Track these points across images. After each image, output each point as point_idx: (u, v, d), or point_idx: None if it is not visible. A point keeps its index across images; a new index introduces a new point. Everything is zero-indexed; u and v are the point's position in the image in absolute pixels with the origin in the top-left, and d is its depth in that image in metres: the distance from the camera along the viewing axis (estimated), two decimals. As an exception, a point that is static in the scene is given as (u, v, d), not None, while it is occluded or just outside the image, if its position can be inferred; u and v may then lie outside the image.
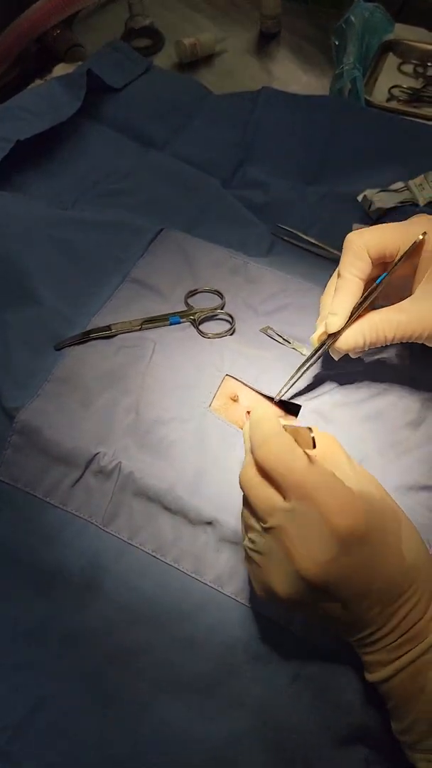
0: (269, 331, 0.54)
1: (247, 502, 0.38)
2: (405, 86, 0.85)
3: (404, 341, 0.45)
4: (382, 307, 0.46)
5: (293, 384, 0.49)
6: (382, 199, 0.68)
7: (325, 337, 0.47)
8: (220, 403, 0.51)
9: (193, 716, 0.42)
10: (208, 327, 0.55)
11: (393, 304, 0.46)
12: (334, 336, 0.46)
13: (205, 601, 0.44)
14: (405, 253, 0.44)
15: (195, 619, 0.44)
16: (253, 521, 0.37)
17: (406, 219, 0.66)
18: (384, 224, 0.46)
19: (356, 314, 0.45)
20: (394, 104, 0.83)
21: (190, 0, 1.01)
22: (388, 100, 0.84)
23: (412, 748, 0.37)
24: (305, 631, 0.42)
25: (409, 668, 0.35)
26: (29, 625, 0.45)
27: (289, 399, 0.51)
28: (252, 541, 0.37)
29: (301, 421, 0.49)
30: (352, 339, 0.45)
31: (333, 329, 0.45)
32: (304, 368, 0.49)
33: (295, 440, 0.36)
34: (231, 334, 0.55)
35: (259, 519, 0.36)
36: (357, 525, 0.33)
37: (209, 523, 0.45)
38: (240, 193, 0.71)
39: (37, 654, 0.45)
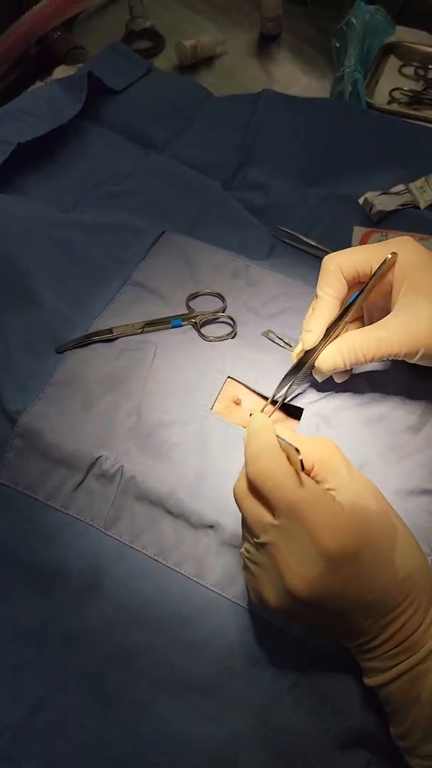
0: (270, 335, 0.54)
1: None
2: (406, 89, 0.85)
3: (384, 359, 0.45)
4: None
5: (281, 399, 0.49)
6: (383, 202, 0.68)
7: (302, 353, 0.48)
8: (223, 405, 0.51)
9: (193, 717, 0.42)
10: (210, 330, 0.55)
11: None
12: (311, 353, 0.47)
13: (206, 604, 0.44)
14: (375, 272, 0.45)
15: (196, 623, 0.44)
16: (247, 534, 0.38)
17: (407, 222, 0.68)
18: (359, 246, 0.48)
19: (333, 333, 0.46)
20: (395, 107, 0.83)
21: (190, 2, 1.01)
22: (389, 102, 0.84)
23: (409, 753, 0.37)
24: (306, 635, 0.42)
25: (405, 676, 0.35)
26: (29, 626, 0.45)
27: (290, 401, 0.51)
28: (248, 551, 0.38)
29: (302, 424, 0.49)
30: (330, 358, 0.46)
31: (308, 346, 0.47)
32: (287, 385, 0.49)
33: (288, 456, 0.36)
34: (232, 338, 0.55)
35: (251, 534, 0.37)
36: (346, 544, 0.33)
37: (211, 527, 0.45)
38: (241, 195, 0.71)
39: (37, 654, 0.45)
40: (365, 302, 0.47)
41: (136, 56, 0.84)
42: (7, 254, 0.57)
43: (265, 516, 0.36)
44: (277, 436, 0.37)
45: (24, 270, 0.56)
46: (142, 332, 0.54)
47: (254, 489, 0.36)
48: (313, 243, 0.66)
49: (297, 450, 0.34)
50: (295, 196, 0.71)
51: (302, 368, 0.48)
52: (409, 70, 0.88)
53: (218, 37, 0.92)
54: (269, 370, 0.52)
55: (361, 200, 0.69)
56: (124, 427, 0.49)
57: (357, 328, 0.47)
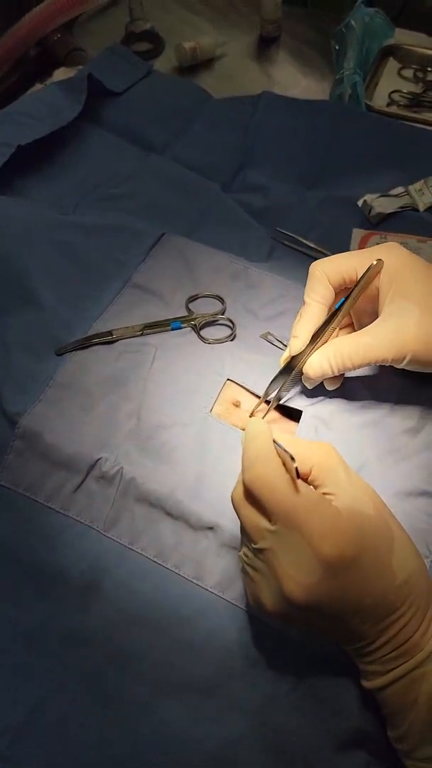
0: (269, 337, 0.55)
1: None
2: (405, 91, 0.85)
3: (372, 364, 0.45)
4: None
5: (275, 400, 0.49)
6: (381, 204, 0.68)
7: (289, 358, 0.48)
8: (222, 408, 0.51)
9: (193, 717, 0.42)
10: (209, 332, 0.56)
11: None
12: (297, 358, 0.47)
13: (205, 606, 0.44)
14: (361, 278, 0.45)
15: (195, 624, 0.44)
16: (245, 539, 0.38)
17: (406, 224, 0.68)
18: (346, 253, 0.48)
19: (320, 339, 0.46)
20: (394, 109, 0.83)
21: (190, 4, 1.01)
22: (388, 104, 0.84)
23: (406, 756, 0.37)
24: (304, 638, 0.43)
25: (403, 680, 0.35)
26: (29, 626, 0.46)
27: (287, 402, 0.51)
28: (246, 555, 0.38)
29: (301, 427, 0.49)
30: (318, 364, 0.46)
31: (294, 351, 0.47)
32: (276, 389, 0.49)
33: (284, 463, 0.36)
34: (231, 340, 0.55)
35: (249, 540, 0.37)
36: (344, 550, 0.34)
37: (210, 529, 0.45)
38: (240, 198, 0.71)
39: (37, 655, 0.45)
40: (354, 308, 0.48)
41: (136, 58, 0.84)
42: (8, 256, 0.57)
43: (262, 522, 0.36)
44: (274, 442, 0.37)
45: (24, 272, 0.56)
46: (141, 334, 0.54)
47: (251, 495, 0.36)
48: (313, 245, 0.66)
49: (292, 458, 0.34)
50: (294, 198, 0.71)
51: (290, 372, 0.48)
52: (408, 73, 0.88)
53: (218, 39, 0.92)
54: (268, 372, 0.52)
55: (360, 202, 0.69)
56: (123, 429, 0.49)
57: (347, 334, 0.47)
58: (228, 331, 0.55)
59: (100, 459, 0.47)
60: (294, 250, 0.66)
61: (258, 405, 0.50)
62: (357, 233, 0.68)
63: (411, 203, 0.69)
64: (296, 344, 0.47)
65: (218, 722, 0.42)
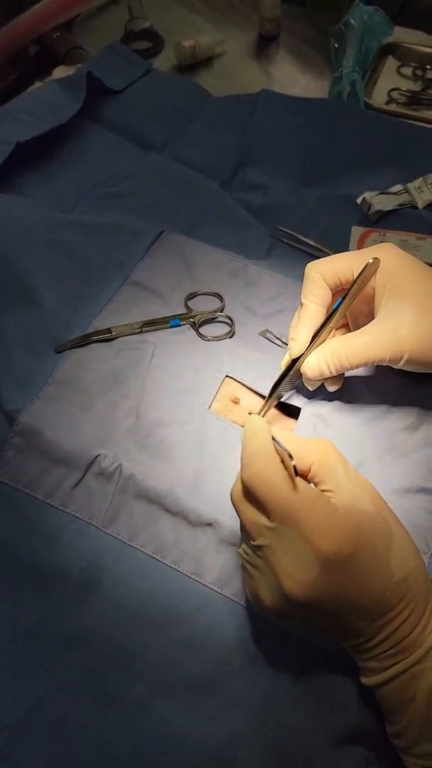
0: (268, 334, 0.55)
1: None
2: (404, 89, 0.85)
3: (369, 364, 0.45)
4: None
5: (270, 405, 0.49)
6: (381, 202, 0.68)
7: (290, 362, 0.48)
8: (221, 404, 0.51)
9: (193, 716, 0.42)
10: (208, 330, 0.56)
11: None
12: (297, 361, 0.47)
13: (204, 602, 0.44)
14: (358, 277, 0.45)
15: (194, 620, 0.44)
16: (244, 536, 0.38)
17: (405, 222, 0.68)
18: (341, 253, 0.48)
19: (318, 339, 0.46)
20: (393, 107, 0.83)
21: (189, 2, 1.01)
22: (387, 102, 0.84)
23: (405, 752, 0.37)
24: (304, 633, 0.43)
25: (402, 676, 0.35)
26: (29, 625, 0.46)
27: (286, 399, 0.51)
28: (245, 552, 0.38)
29: (300, 424, 0.49)
30: (315, 363, 0.46)
31: (294, 354, 0.47)
32: (275, 392, 0.48)
33: (282, 461, 0.36)
34: (230, 337, 0.55)
35: (248, 537, 0.37)
36: (342, 547, 0.34)
37: (209, 525, 0.45)
38: (239, 196, 0.71)
39: (37, 654, 0.45)
40: (350, 310, 0.47)
41: (135, 57, 0.85)
42: (7, 255, 0.57)
43: (261, 519, 0.36)
44: (273, 439, 0.37)
45: (23, 270, 0.57)
46: (140, 332, 0.54)
47: (249, 493, 0.36)
48: (312, 243, 0.66)
49: (290, 455, 0.34)
50: (293, 196, 0.71)
51: (292, 375, 0.48)
52: (407, 71, 0.88)
53: (217, 37, 0.92)
54: (267, 370, 0.52)
55: (359, 200, 0.69)
56: (122, 427, 0.49)
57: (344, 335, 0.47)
58: (227, 329, 0.55)
59: (99, 456, 0.47)
60: (293, 248, 0.66)
61: (263, 408, 0.50)
62: (356, 231, 0.68)
63: (410, 201, 0.69)
64: (296, 347, 0.47)
65: (218, 720, 0.42)
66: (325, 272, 0.46)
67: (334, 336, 0.48)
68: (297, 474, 0.35)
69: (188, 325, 0.55)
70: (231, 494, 0.38)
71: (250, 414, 0.51)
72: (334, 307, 0.46)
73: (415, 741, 0.36)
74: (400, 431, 0.49)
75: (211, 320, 0.56)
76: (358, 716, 0.41)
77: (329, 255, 0.63)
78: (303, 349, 0.46)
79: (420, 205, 0.69)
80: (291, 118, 0.78)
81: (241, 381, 0.52)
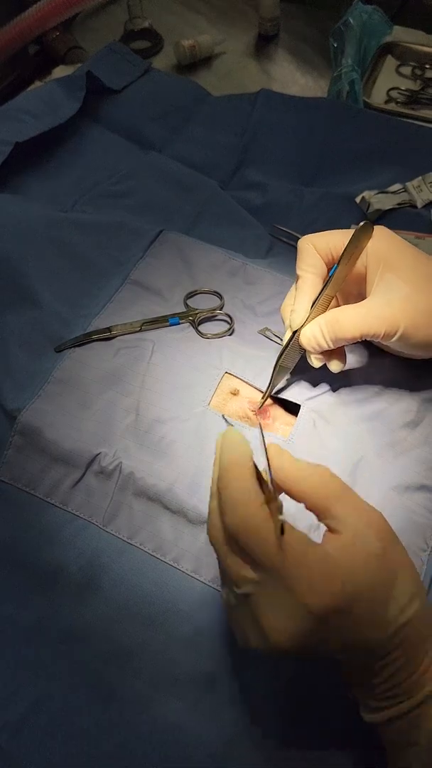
0: (267, 332, 0.55)
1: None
2: (403, 88, 0.85)
3: (366, 339, 0.45)
4: None
5: (274, 386, 0.50)
6: (380, 201, 0.68)
7: (290, 335, 0.48)
8: (220, 398, 0.51)
9: (191, 713, 0.42)
10: (207, 328, 0.56)
11: None
12: (299, 332, 0.47)
13: (203, 600, 0.44)
14: (350, 242, 0.45)
15: (193, 618, 0.44)
16: (225, 580, 0.36)
17: (404, 220, 0.68)
18: (333, 230, 0.48)
19: (316, 308, 0.46)
20: (392, 106, 0.83)
21: (188, 2, 1.01)
22: (387, 102, 0.84)
23: None
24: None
25: (401, 721, 0.34)
26: (28, 624, 0.46)
27: (282, 394, 0.51)
28: (227, 596, 0.36)
29: (299, 421, 0.50)
30: (310, 333, 0.46)
31: (295, 325, 0.47)
32: (277, 367, 0.49)
33: (268, 504, 0.33)
34: (230, 335, 0.55)
35: (229, 583, 0.34)
36: (332, 603, 0.31)
37: (208, 523, 0.45)
38: (238, 195, 0.71)
39: (36, 652, 0.45)
40: (341, 290, 0.47)
41: (135, 56, 0.85)
42: (7, 254, 0.57)
43: (245, 569, 0.33)
44: (262, 471, 0.34)
45: (23, 270, 0.57)
46: (140, 331, 0.54)
47: (233, 541, 0.33)
48: (310, 241, 0.66)
49: (280, 509, 0.31)
50: (292, 195, 0.71)
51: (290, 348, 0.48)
52: (406, 70, 0.88)
53: (216, 37, 0.92)
54: (266, 367, 0.52)
55: (358, 199, 0.69)
56: (122, 425, 0.49)
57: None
58: (226, 327, 0.55)
59: (99, 454, 0.47)
60: (293, 247, 0.66)
61: (266, 390, 0.50)
62: (355, 230, 0.68)
63: (409, 200, 0.69)
64: (296, 318, 0.47)
65: (216, 718, 0.42)
66: (319, 245, 0.47)
67: (331, 308, 0.47)
68: (282, 532, 0.32)
69: (188, 324, 0.55)
70: (209, 533, 0.35)
71: (251, 412, 0.50)
72: (330, 274, 0.46)
73: None
74: (400, 428, 0.49)
75: (210, 318, 0.56)
76: (357, 715, 0.41)
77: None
78: (304, 319, 0.46)
79: (419, 204, 0.69)
80: (290, 117, 0.78)
81: (241, 377, 0.52)
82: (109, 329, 0.54)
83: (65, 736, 0.43)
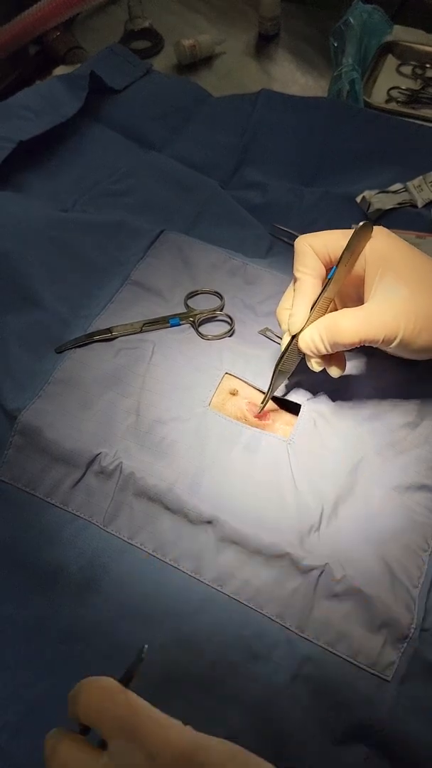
0: (268, 333, 0.55)
1: None
2: (404, 87, 0.85)
3: (364, 343, 0.44)
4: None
5: (273, 390, 0.49)
6: (380, 201, 0.68)
7: (289, 339, 0.47)
8: (220, 398, 0.51)
9: (192, 714, 0.42)
10: (208, 328, 0.56)
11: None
12: (298, 337, 0.46)
13: (204, 600, 0.44)
14: (349, 243, 0.44)
15: (194, 619, 0.44)
16: None
17: (404, 220, 0.68)
18: (329, 230, 0.47)
19: (315, 311, 0.45)
20: (392, 106, 0.83)
21: (189, 2, 1.01)
22: (387, 101, 0.84)
23: None
24: (304, 629, 0.43)
25: None
26: (28, 623, 0.46)
27: (286, 396, 0.51)
28: None
29: (300, 421, 0.49)
30: (309, 337, 0.45)
31: (294, 329, 0.46)
32: (277, 371, 0.48)
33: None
34: (230, 336, 0.55)
35: None
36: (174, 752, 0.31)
37: (209, 523, 0.45)
38: (239, 194, 0.71)
39: (37, 652, 0.45)
40: (339, 293, 0.47)
41: (135, 58, 0.85)
42: (7, 254, 0.57)
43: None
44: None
45: (24, 270, 0.57)
46: (141, 331, 0.54)
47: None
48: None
49: None
50: (293, 195, 0.71)
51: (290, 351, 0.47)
52: (406, 69, 0.88)
53: (217, 36, 0.92)
54: (267, 367, 0.52)
55: (358, 199, 0.69)
56: (123, 425, 0.49)
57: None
58: (227, 327, 0.55)
59: (99, 454, 0.47)
60: (293, 247, 0.66)
61: (266, 394, 0.49)
62: (356, 229, 0.68)
63: (409, 199, 0.69)
64: (295, 322, 0.46)
65: (217, 718, 0.42)
66: (316, 246, 0.46)
67: (330, 310, 0.47)
68: None
69: (188, 324, 0.55)
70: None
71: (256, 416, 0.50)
72: (328, 276, 0.45)
73: None
74: (400, 428, 0.49)
75: (211, 319, 0.56)
76: (357, 714, 0.41)
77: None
78: (302, 324, 0.46)
79: (419, 204, 0.69)
80: (291, 117, 0.78)
81: (241, 378, 0.52)
82: (109, 330, 0.54)
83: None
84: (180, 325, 0.55)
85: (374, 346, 0.45)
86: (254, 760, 0.32)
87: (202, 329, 0.55)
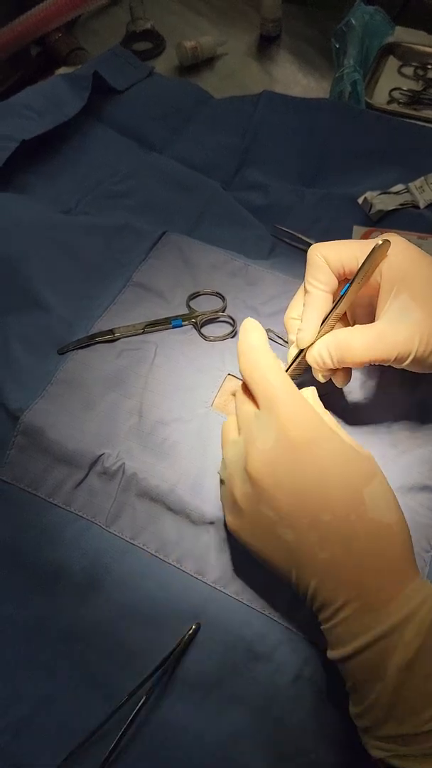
0: (270, 334, 0.55)
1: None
2: (405, 88, 0.85)
3: (374, 363, 0.43)
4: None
5: None
6: (382, 202, 0.68)
7: (296, 352, 0.46)
8: (222, 400, 0.51)
9: (194, 714, 0.42)
10: (210, 330, 0.56)
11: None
12: (305, 351, 0.45)
13: (206, 601, 0.44)
14: (366, 260, 0.42)
15: (196, 619, 0.44)
16: (231, 434, 0.42)
17: (406, 221, 0.68)
18: (345, 240, 0.45)
19: (325, 327, 0.44)
20: (394, 106, 0.83)
21: (190, 3, 1.01)
22: (389, 102, 0.84)
23: (367, 733, 0.36)
24: (306, 630, 0.43)
25: (370, 649, 0.34)
26: (30, 624, 0.46)
27: None
28: (223, 459, 0.41)
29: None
30: (318, 353, 0.44)
31: (303, 345, 0.45)
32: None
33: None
34: (232, 337, 0.55)
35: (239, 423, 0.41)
36: (304, 432, 0.37)
37: (211, 523, 0.45)
38: (240, 195, 0.71)
39: (38, 653, 0.45)
40: (350, 306, 0.46)
41: (137, 60, 0.85)
42: (9, 256, 0.57)
43: (251, 404, 0.40)
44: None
45: (26, 271, 0.57)
46: (143, 332, 0.55)
47: (245, 386, 0.41)
48: (313, 242, 0.66)
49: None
50: (294, 195, 0.71)
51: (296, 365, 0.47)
52: (408, 70, 0.88)
53: (218, 38, 0.92)
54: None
55: (360, 200, 0.69)
56: (125, 426, 0.49)
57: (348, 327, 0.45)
58: (229, 329, 0.55)
59: (102, 455, 0.47)
60: (295, 248, 0.67)
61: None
62: (358, 230, 0.68)
63: (411, 200, 0.69)
64: (304, 337, 0.45)
65: (219, 718, 0.42)
66: (330, 258, 0.44)
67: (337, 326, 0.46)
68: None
69: (190, 326, 0.55)
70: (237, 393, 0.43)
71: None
72: (341, 293, 0.44)
73: (381, 721, 0.34)
74: (402, 429, 0.49)
75: (213, 320, 0.56)
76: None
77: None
78: (311, 338, 0.45)
79: (421, 205, 0.69)
80: (292, 118, 0.78)
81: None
82: (112, 331, 0.54)
83: (68, 737, 0.43)
84: (182, 326, 0.55)
85: (392, 365, 0.44)
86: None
87: (204, 330, 0.55)
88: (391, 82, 0.86)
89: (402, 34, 0.90)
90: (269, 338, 0.55)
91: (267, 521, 0.37)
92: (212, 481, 0.47)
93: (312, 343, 0.45)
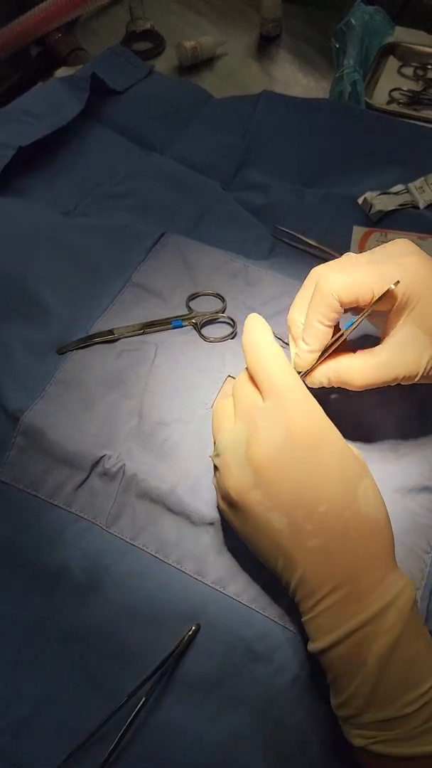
0: (270, 334, 0.55)
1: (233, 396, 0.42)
2: (405, 89, 0.85)
3: (372, 387, 0.43)
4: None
5: None
6: (382, 202, 0.68)
7: (296, 353, 0.45)
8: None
9: (193, 715, 0.42)
10: (210, 330, 0.56)
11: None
12: (302, 375, 0.45)
13: (206, 601, 0.44)
14: (376, 301, 0.41)
15: (196, 620, 0.44)
16: (226, 420, 0.42)
17: (406, 221, 0.68)
18: (358, 263, 0.43)
19: (326, 355, 0.44)
20: (394, 107, 0.83)
21: (190, 3, 1.01)
22: (389, 102, 0.84)
23: (348, 722, 0.36)
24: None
25: (349, 640, 0.35)
26: (30, 624, 0.46)
27: None
28: (217, 445, 0.41)
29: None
30: (317, 380, 0.44)
31: (301, 368, 0.45)
32: None
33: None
34: (232, 338, 0.55)
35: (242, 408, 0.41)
36: (311, 427, 0.37)
37: (211, 524, 0.45)
38: (240, 196, 0.71)
39: (38, 653, 0.45)
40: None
41: (136, 59, 0.85)
42: (9, 257, 0.57)
43: (256, 397, 0.40)
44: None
45: (25, 272, 0.57)
46: (142, 333, 0.55)
47: (250, 377, 0.41)
48: (313, 243, 0.66)
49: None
50: (294, 196, 0.71)
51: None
52: (408, 71, 0.88)
53: (218, 38, 0.92)
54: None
55: (360, 200, 0.69)
56: (125, 427, 0.49)
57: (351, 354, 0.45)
58: (229, 330, 0.56)
59: (103, 456, 0.47)
60: (295, 248, 0.67)
61: None
62: (357, 231, 0.68)
63: (411, 201, 0.69)
64: (302, 363, 0.44)
65: (218, 719, 0.42)
66: (343, 290, 0.41)
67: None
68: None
69: (190, 327, 0.55)
70: (236, 380, 0.43)
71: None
72: (347, 326, 0.43)
73: (362, 709, 0.35)
74: (402, 430, 0.49)
75: (212, 321, 0.56)
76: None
77: (331, 255, 0.64)
78: (308, 365, 0.44)
79: (421, 205, 0.69)
80: (292, 118, 0.78)
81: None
82: (111, 331, 0.54)
83: (67, 737, 0.43)
84: (182, 327, 0.55)
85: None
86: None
87: (204, 331, 0.55)
88: (391, 83, 0.86)
89: (402, 34, 0.90)
90: (269, 339, 0.55)
91: (261, 508, 0.37)
92: (212, 482, 0.47)
93: (313, 368, 0.44)
